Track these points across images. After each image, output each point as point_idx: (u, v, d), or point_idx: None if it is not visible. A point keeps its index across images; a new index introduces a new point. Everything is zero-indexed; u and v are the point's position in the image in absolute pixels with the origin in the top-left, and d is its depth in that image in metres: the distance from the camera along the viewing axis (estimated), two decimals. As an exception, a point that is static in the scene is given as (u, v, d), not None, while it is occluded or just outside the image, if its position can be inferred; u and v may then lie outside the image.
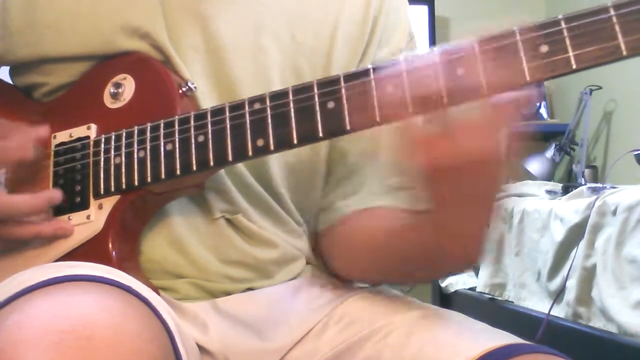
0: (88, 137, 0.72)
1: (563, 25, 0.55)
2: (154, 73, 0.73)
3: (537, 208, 2.02)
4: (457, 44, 0.56)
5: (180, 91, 0.71)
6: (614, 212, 1.67)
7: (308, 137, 0.63)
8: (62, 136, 0.74)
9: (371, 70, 0.60)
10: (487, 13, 3.46)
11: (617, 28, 0.53)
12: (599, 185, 2.01)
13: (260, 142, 0.64)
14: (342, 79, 0.61)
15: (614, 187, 1.88)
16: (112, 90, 0.74)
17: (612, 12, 0.53)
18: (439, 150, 0.55)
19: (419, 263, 0.70)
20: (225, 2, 0.76)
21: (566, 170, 3.22)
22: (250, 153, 0.64)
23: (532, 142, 3.20)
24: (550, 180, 2.86)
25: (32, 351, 0.46)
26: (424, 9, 3.22)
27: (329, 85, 0.62)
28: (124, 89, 0.74)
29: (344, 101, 0.61)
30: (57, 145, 0.74)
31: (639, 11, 0.53)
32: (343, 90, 0.61)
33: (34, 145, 0.71)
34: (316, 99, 0.62)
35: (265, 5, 0.78)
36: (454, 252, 0.65)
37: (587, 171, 2.82)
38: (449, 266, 0.72)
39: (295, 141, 0.63)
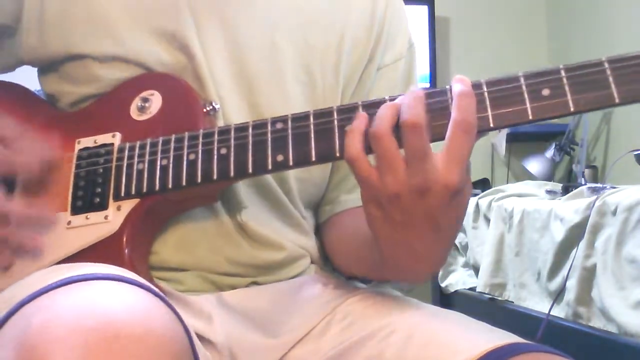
0: (112, 144, 0.74)
1: (563, 73, 0.61)
2: (181, 91, 0.76)
3: (537, 208, 2.02)
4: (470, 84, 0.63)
5: (205, 110, 0.74)
6: (614, 212, 1.67)
7: (326, 156, 0.66)
8: (86, 142, 0.76)
9: (387, 100, 0.65)
10: (487, 13, 3.46)
11: (610, 79, 0.59)
12: (599, 185, 2.01)
13: (279, 158, 0.67)
14: (360, 107, 0.66)
15: (614, 187, 1.88)
16: (139, 104, 0.76)
17: (607, 65, 0.60)
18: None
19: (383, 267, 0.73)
20: (244, 4, 0.80)
21: (566, 170, 3.23)
22: (269, 167, 0.68)
23: (532, 142, 3.21)
24: (550, 180, 2.86)
25: (60, 351, 0.46)
26: (424, 9, 3.22)
27: (348, 112, 0.66)
28: (151, 103, 0.76)
29: None
30: (80, 150, 0.76)
31: (630, 66, 0.59)
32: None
33: (41, 160, 0.73)
34: (335, 122, 0.66)
35: (279, 7, 0.82)
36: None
37: (587, 171, 2.83)
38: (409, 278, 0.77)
39: (313, 159, 0.66)
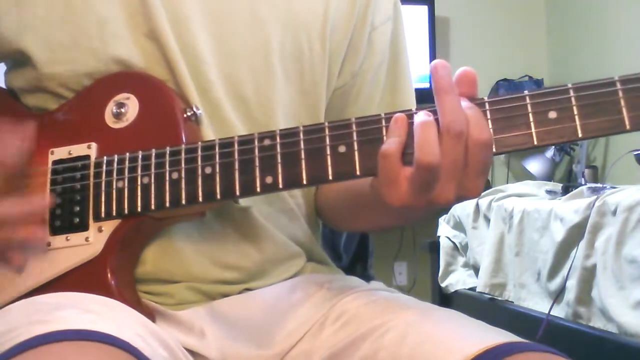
0: (88, 157, 0.71)
1: (572, 93, 0.57)
2: (159, 95, 0.72)
3: (537, 208, 2.02)
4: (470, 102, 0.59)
5: (185, 116, 0.71)
6: (614, 212, 1.67)
7: (318, 178, 0.63)
8: (60, 152, 0.72)
9: (382, 118, 0.62)
10: (487, 13, 3.46)
11: (622, 103, 0.55)
12: (599, 185, 2.01)
13: (269, 180, 0.64)
14: (353, 124, 0.62)
15: (614, 187, 1.88)
16: (114, 110, 0.72)
17: (619, 86, 0.56)
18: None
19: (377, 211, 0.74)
20: None
21: (566, 170, 3.22)
22: (258, 189, 0.64)
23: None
24: (550, 180, 2.86)
25: None
26: (424, 9, 3.22)
27: (340, 129, 0.63)
28: (127, 109, 0.72)
29: (355, 146, 0.62)
30: (55, 162, 0.72)
31: None
32: (355, 135, 0.62)
33: (15, 152, 0.68)
34: (327, 141, 0.63)
35: None
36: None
37: (587, 171, 2.83)
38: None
39: (304, 182, 0.63)
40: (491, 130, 0.59)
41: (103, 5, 0.73)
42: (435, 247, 2.62)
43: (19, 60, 0.77)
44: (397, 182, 0.60)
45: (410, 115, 0.60)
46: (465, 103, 0.59)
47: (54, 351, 0.53)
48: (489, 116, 0.59)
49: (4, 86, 0.82)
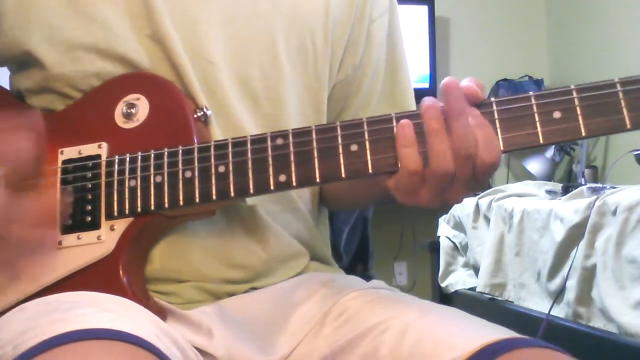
0: (99, 156, 0.71)
1: (575, 94, 0.60)
2: (169, 96, 0.72)
3: (537, 208, 2.02)
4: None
5: (195, 116, 0.71)
6: (614, 212, 1.67)
7: (331, 176, 0.65)
8: (70, 152, 0.72)
9: (393, 118, 0.63)
10: (487, 13, 3.47)
11: (622, 103, 0.59)
12: (599, 185, 2.01)
13: (282, 178, 0.65)
14: (365, 123, 0.64)
15: (614, 187, 1.88)
16: (124, 110, 0.73)
17: (619, 88, 0.59)
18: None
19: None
20: None
21: (566, 170, 3.23)
22: (272, 187, 0.66)
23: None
24: (550, 180, 2.87)
25: None
26: (424, 9, 3.23)
27: (352, 128, 0.65)
28: (138, 109, 0.72)
29: (367, 145, 0.64)
30: (64, 162, 0.72)
31: None
32: (366, 134, 0.64)
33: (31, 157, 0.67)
34: (339, 140, 0.64)
35: None
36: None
37: (587, 171, 2.83)
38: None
39: (318, 179, 0.65)
40: (498, 129, 0.61)
41: (106, 6, 0.74)
42: (435, 247, 2.63)
43: (25, 62, 0.77)
44: (418, 193, 0.64)
45: (416, 117, 0.63)
46: (476, 120, 0.61)
47: (81, 350, 0.53)
48: (496, 116, 0.61)
49: (9, 89, 0.82)
